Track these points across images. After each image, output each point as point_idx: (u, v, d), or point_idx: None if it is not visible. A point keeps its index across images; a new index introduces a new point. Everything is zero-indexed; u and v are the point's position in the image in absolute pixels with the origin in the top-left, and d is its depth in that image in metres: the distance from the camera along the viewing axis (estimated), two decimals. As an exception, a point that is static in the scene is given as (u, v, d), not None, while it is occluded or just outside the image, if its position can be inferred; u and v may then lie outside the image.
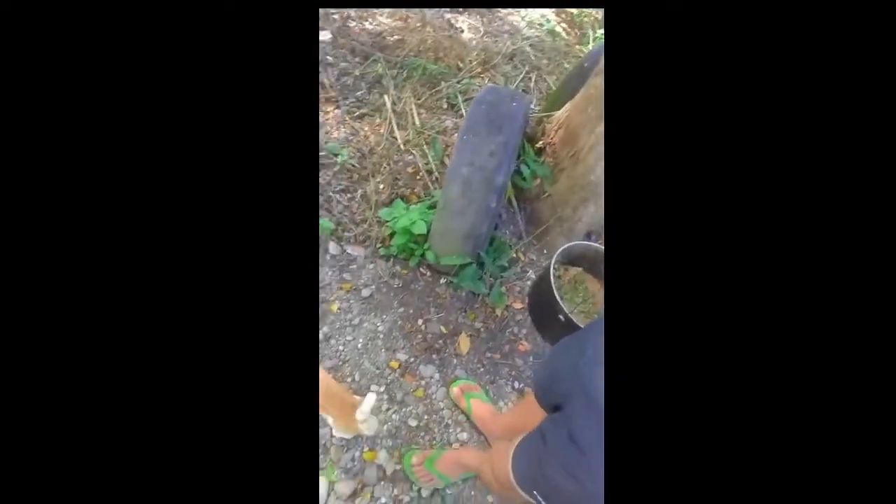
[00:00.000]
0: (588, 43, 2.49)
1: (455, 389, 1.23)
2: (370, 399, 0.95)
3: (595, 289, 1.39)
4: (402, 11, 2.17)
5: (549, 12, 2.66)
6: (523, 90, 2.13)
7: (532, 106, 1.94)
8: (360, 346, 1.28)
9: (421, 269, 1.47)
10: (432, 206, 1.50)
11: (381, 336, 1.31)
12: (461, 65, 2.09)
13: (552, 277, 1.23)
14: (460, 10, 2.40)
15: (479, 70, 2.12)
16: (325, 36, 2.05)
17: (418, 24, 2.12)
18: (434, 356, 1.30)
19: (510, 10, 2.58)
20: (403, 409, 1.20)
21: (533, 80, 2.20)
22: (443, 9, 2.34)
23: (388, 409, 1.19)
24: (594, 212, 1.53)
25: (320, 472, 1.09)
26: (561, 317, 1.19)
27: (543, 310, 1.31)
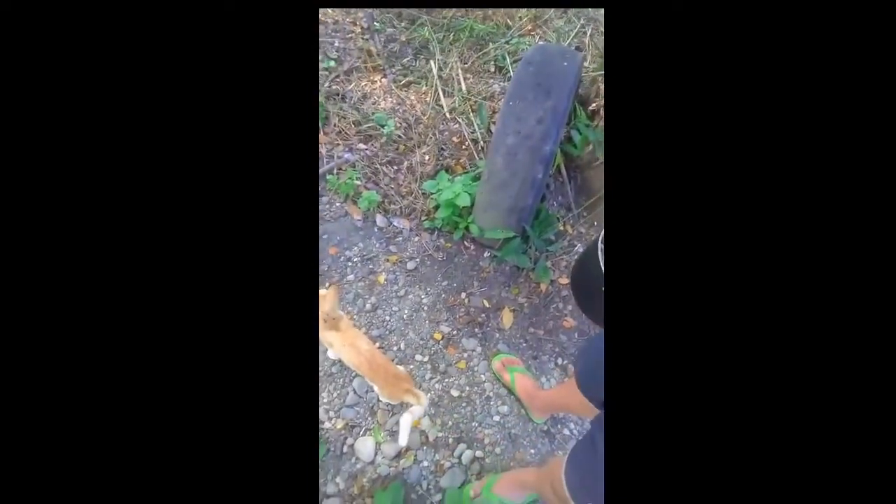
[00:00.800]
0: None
1: (497, 363, 1.19)
2: (406, 421, 0.95)
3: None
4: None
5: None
6: (577, 47, 1.89)
7: (585, 64, 1.71)
8: (405, 317, 1.27)
9: (465, 243, 1.40)
10: (477, 178, 1.40)
11: (426, 308, 1.28)
12: (510, 22, 1.89)
13: (599, 251, 1.11)
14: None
15: (529, 27, 1.90)
16: None
17: (465, -19, 1.91)
18: (477, 330, 1.26)
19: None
20: (446, 380, 1.18)
21: (588, 33, 1.93)
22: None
23: (431, 379, 1.18)
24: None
25: (368, 432, 1.12)
26: (605, 290, 1.08)
27: (587, 285, 1.20)
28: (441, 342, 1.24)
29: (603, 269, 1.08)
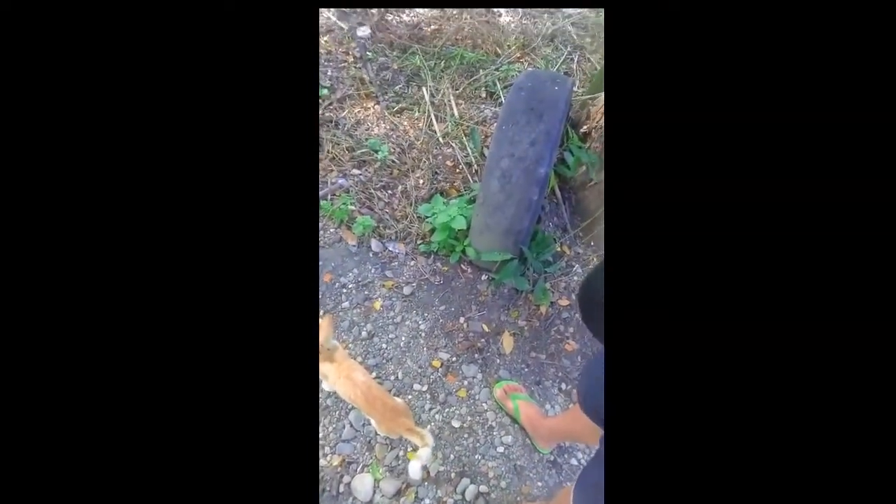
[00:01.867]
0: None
1: (499, 391, 1.12)
2: (415, 467, 0.87)
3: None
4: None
5: (591, -13, 2.35)
6: (565, 72, 1.90)
7: (575, 88, 1.71)
8: (402, 344, 1.20)
9: (462, 266, 1.36)
10: (472, 200, 1.36)
11: (423, 334, 1.22)
12: (499, 50, 1.90)
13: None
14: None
15: (518, 55, 1.91)
16: (364, 31, 1.93)
17: (455, 12, 1.94)
18: (476, 356, 1.20)
19: (550, -12, 2.31)
20: (446, 410, 1.11)
21: (576, 60, 1.96)
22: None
23: (430, 409, 1.11)
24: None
25: (366, 468, 1.03)
26: None
27: (593, 301, 1.14)
28: (440, 370, 1.17)
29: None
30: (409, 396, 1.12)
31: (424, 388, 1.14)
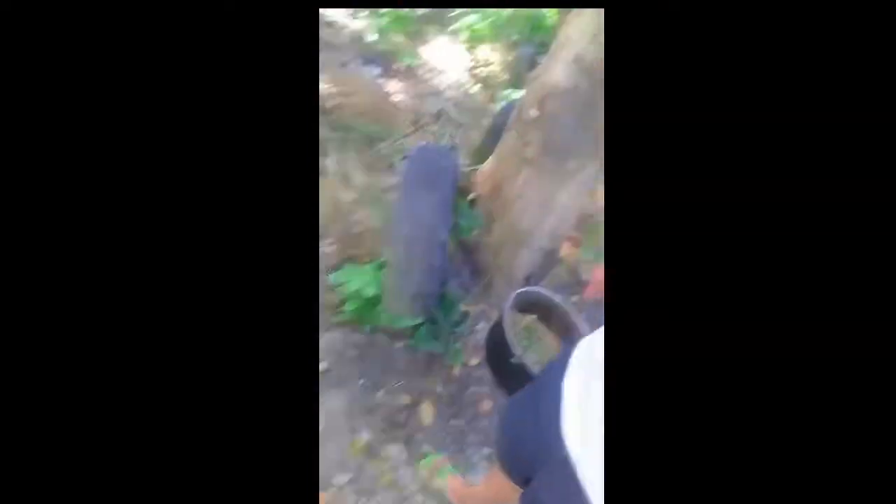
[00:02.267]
0: (498, 101, 2.51)
1: (424, 472, 1.06)
2: None
3: (548, 339, 1.32)
4: (338, 78, 2.04)
5: (464, 75, 2.68)
6: (452, 147, 2.10)
7: (460, 160, 1.90)
8: (321, 429, 1.07)
9: (377, 334, 1.30)
10: (382, 266, 1.35)
11: (343, 415, 1.11)
12: (395, 125, 2.01)
13: (504, 321, 1.14)
14: (389, 74, 2.33)
15: (411, 129, 2.05)
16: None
17: (353, 90, 2.01)
18: (399, 432, 1.13)
19: (431, 73, 2.57)
20: (372, 501, 1.00)
21: (458, 136, 2.18)
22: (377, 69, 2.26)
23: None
24: (529, 257, 1.49)
25: None
26: (512, 360, 1.08)
27: (497, 354, 1.20)
28: (363, 454, 1.06)
29: (507, 334, 1.09)
30: (332, 490, 0.99)
31: (345, 479, 1.02)
